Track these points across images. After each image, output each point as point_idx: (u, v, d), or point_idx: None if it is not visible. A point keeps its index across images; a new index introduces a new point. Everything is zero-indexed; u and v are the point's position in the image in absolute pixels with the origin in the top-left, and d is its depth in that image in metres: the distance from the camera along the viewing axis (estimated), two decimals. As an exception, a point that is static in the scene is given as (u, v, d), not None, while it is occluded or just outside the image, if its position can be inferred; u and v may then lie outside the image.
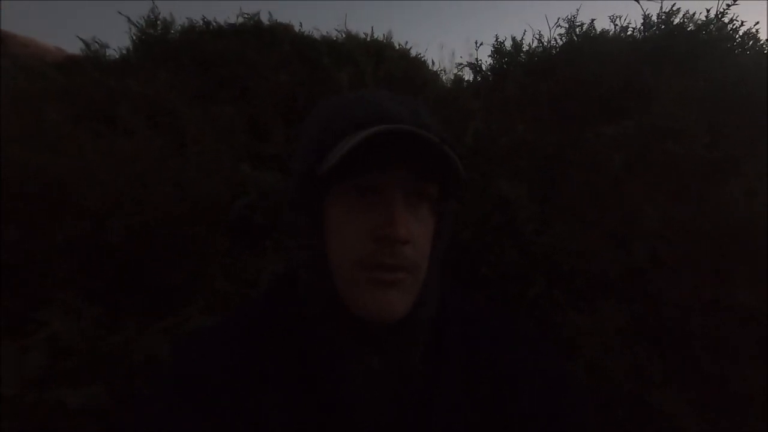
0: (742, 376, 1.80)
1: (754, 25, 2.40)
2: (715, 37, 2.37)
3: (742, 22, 2.42)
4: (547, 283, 2.08)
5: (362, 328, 0.53)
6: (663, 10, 2.62)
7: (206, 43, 3.91)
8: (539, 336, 0.65)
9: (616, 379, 1.90)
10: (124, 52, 4.02)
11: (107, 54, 4.05)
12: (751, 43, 2.37)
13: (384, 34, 4.36)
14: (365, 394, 0.53)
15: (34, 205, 1.91)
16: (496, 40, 3.00)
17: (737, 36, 2.39)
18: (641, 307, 2.00)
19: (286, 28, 4.25)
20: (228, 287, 2.21)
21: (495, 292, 2.17)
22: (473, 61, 3.00)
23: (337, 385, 0.53)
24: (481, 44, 2.89)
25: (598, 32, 2.75)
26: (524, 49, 2.84)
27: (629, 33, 2.78)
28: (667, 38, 2.46)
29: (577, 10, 2.73)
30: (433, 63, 4.31)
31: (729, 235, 1.58)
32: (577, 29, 2.74)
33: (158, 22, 3.96)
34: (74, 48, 4.23)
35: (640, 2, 2.45)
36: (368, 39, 4.24)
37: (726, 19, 2.40)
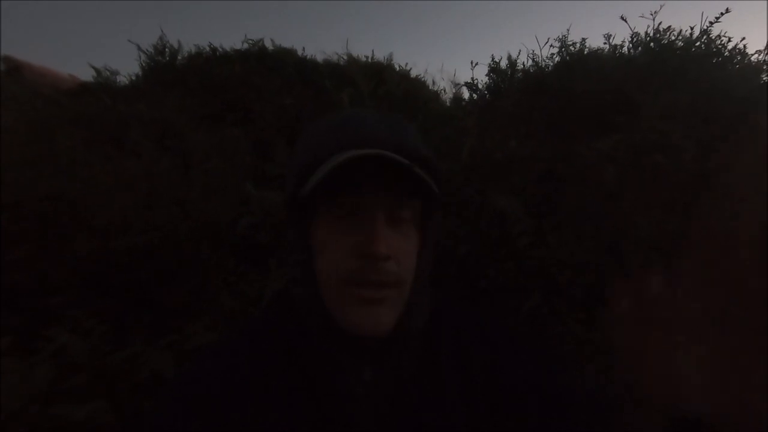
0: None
1: (741, 41, 2.47)
2: (703, 53, 2.43)
3: (730, 38, 2.49)
4: (544, 295, 2.10)
5: (352, 341, 0.54)
6: (653, 28, 2.70)
7: (212, 68, 4.04)
8: (535, 341, 0.66)
9: (618, 388, 1.90)
10: (134, 78, 4.17)
11: (117, 80, 4.21)
12: (739, 57, 2.43)
13: (385, 56, 4.48)
14: (359, 405, 0.55)
15: (44, 225, 1.98)
16: (492, 59, 3.09)
17: (725, 51, 2.46)
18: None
19: (290, 53, 4.39)
20: (232, 304, 2.25)
21: (494, 304, 2.19)
22: (469, 80, 3.08)
23: (332, 398, 0.55)
24: (477, 64, 2.96)
25: (590, 50, 2.83)
26: (519, 68, 2.92)
27: (621, 51, 2.86)
28: (656, 55, 2.52)
29: (568, 30, 2.81)
30: (433, 83, 4.43)
31: (717, 247, 1.60)
32: (570, 47, 2.83)
33: (166, 49, 4.11)
34: (87, 75, 4.40)
35: (627, 21, 2.53)
36: (369, 61, 4.37)
37: (713, 35, 2.48)
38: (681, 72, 2.25)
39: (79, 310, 1.91)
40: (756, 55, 2.50)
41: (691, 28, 2.51)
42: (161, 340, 2.03)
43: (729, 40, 2.53)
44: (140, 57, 4.17)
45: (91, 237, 2.07)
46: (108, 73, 4.22)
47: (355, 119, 0.59)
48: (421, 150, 0.56)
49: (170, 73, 4.01)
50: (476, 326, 0.66)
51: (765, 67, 2.39)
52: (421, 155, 0.55)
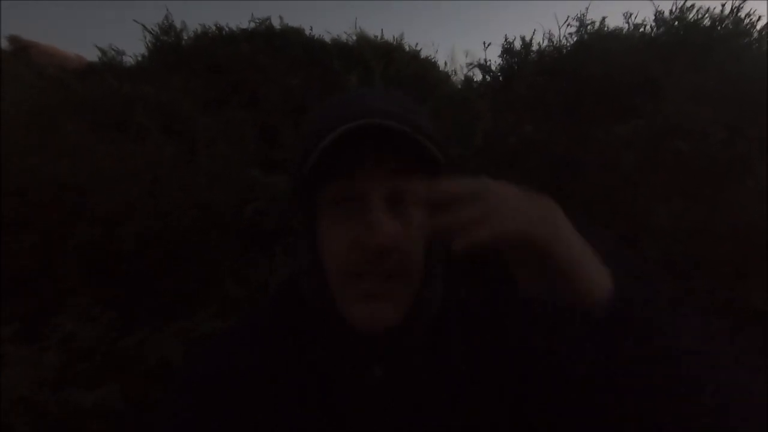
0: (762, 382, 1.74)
1: (772, 18, 2.33)
2: (731, 32, 2.30)
3: (760, 16, 2.36)
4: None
5: (361, 337, 0.52)
6: (677, 6, 2.57)
7: (218, 49, 3.97)
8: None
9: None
10: (140, 58, 4.11)
11: (123, 61, 4.15)
12: (768, 37, 2.31)
13: (394, 36, 4.36)
14: (370, 400, 0.53)
15: (49, 212, 1.96)
16: (506, 40, 2.97)
17: (754, 31, 2.33)
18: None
19: (297, 32, 4.28)
20: (239, 292, 2.24)
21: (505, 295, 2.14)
22: (482, 61, 2.97)
23: (341, 391, 0.53)
24: (490, 44, 2.85)
25: (609, 30, 2.71)
26: (534, 49, 2.81)
27: (642, 30, 2.73)
28: (680, 34, 2.40)
29: (587, 8, 2.69)
30: (445, 64, 4.30)
31: (742, 237, 1.53)
32: (588, 27, 2.70)
33: (171, 28, 4.03)
34: (95, 55, 4.35)
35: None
36: (378, 41, 4.25)
37: (742, 14, 2.35)
38: (707, 53, 2.14)
39: (86, 297, 1.91)
40: (787, 35, 2.36)
41: (723, 6, 2.37)
42: (169, 326, 2.03)
43: (759, 19, 2.40)
44: (146, 37, 4.10)
45: (96, 224, 2.05)
46: (113, 53, 4.16)
47: (352, 96, 0.56)
48: (421, 122, 0.51)
49: (176, 54, 3.94)
50: (487, 315, 0.62)
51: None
52: (421, 126, 0.50)
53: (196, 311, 2.12)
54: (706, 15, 2.43)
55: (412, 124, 0.49)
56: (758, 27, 2.34)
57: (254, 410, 0.52)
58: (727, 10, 2.36)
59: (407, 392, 0.54)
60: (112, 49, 4.19)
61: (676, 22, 2.47)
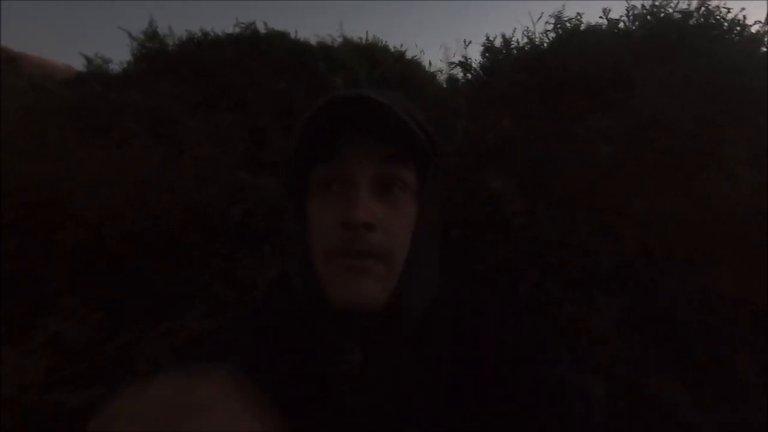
0: (737, 363, 1.79)
1: (740, 11, 2.39)
2: (702, 25, 2.36)
3: (729, 9, 2.41)
4: (540, 276, 2.08)
5: (345, 321, 0.53)
6: (651, 1, 2.62)
7: (204, 54, 3.99)
8: (539, 327, 0.61)
9: (614, 369, 1.90)
10: (126, 65, 4.13)
11: (110, 68, 4.16)
12: (738, 29, 2.36)
13: (376, 36, 4.41)
14: (350, 386, 0.54)
15: (35, 214, 1.98)
16: (487, 38, 3.02)
17: (724, 23, 2.38)
18: (634, 297, 2.00)
19: (283, 36, 4.31)
20: (227, 293, 2.25)
21: (491, 287, 2.17)
22: (463, 59, 3.01)
23: (323, 378, 0.54)
24: (470, 42, 2.89)
25: (587, 26, 2.76)
26: (513, 46, 2.85)
27: (620, 26, 2.78)
28: (654, 29, 2.46)
29: (563, 5, 2.73)
30: (429, 64, 4.34)
31: (712, 224, 1.58)
32: (566, 23, 2.75)
33: (156, 35, 4.05)
34: (81, 63, 4.38)
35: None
36: (363, 42, 4.29)
37: (711, 7, 2.40)
38: (679, 45, 2.19)
39: (74, 299, 1.92)
40: (756, 26, 2.42)
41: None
42: (158, 328, 2.04)
43: (728, 12, 2.45)
44: (131, 44, 4.12)
45: (84, 226, 2.07)
46: (100, 61, 4.18)
47: (349, 91, 0.56)
48: (412, 112, 0.53)
49: (162, 60, 3.96)
50: (476, 312, 0.62)
51: (766, 39, 2.32)
52: (412, 114, 0.52)
53: (184, 312, 2.14)
54: (677, 8, 2.48)
55: (402, 109, 0.50)
56: (728, 19, 2.39)
57: None
58: (695, 5, 2.43)
59: (385, 379, 0.54)
60: (99, 58, 4.21)
61: (649, 17, 2.52)
